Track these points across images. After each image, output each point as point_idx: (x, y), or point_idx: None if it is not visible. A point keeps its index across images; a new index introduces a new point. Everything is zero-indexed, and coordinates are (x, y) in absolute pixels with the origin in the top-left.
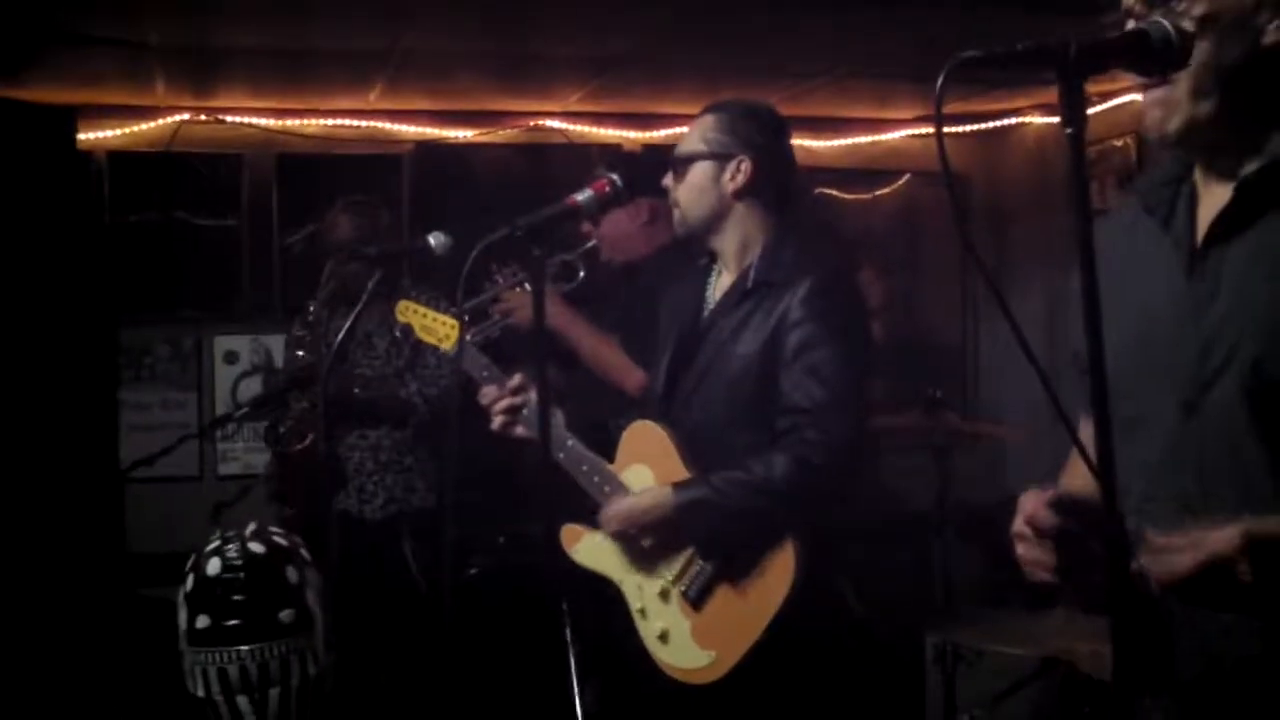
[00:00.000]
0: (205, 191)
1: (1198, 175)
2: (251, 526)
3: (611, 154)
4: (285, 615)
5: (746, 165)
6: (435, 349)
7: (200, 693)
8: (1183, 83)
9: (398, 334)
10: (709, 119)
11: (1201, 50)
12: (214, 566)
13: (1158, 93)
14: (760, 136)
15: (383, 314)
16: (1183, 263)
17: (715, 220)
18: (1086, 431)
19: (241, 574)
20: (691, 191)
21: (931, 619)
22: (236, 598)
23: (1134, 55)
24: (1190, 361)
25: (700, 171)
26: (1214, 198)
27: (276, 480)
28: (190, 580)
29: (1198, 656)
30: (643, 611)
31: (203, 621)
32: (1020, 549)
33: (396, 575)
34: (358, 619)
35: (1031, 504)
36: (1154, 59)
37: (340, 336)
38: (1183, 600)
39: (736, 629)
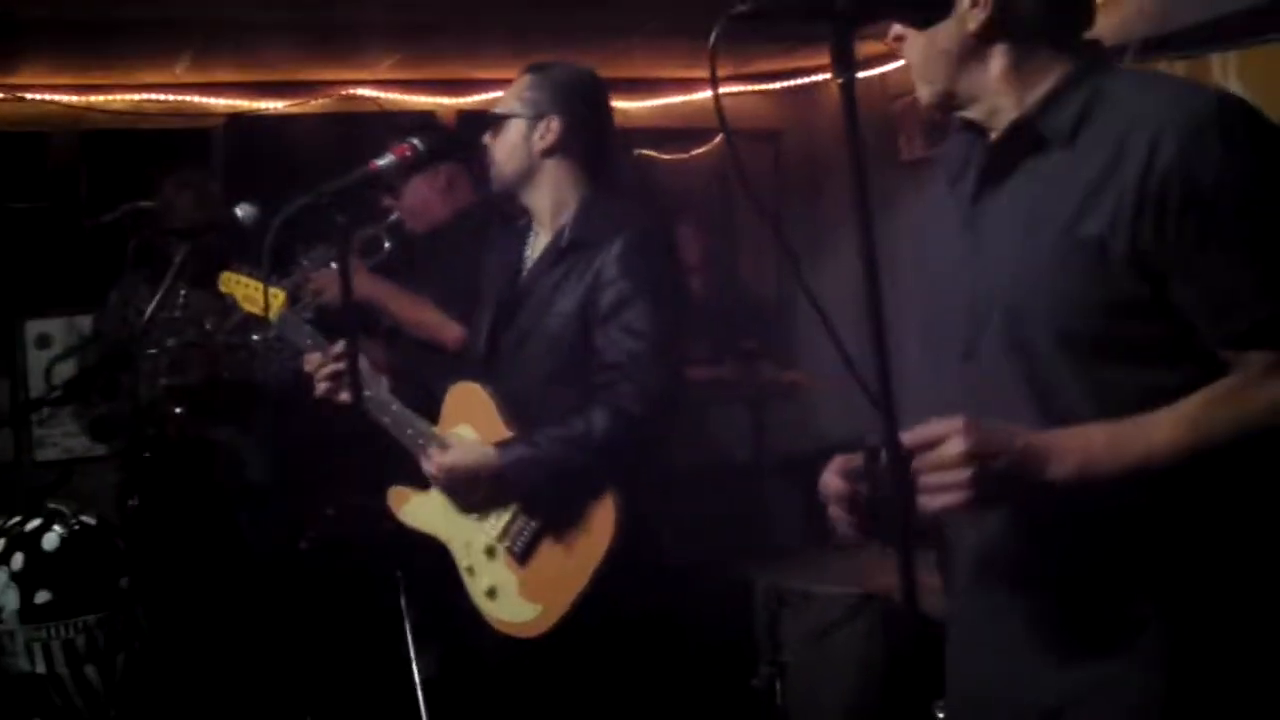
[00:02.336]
0: (9, 172)
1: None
2: (54, 506)
3: (424, 121)
4: (124, 582)
5: (556, 124)
6: (284, 341)
7: (40, 669)
8: (914, 58)
9: (212, 311)
10: (525, 79)
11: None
12: (51, 541)
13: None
14: (572, 97)
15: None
16: (962, 217)
17: (526, 178)
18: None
19: (81, 545)
20: (504, 148)
21: (754, 564)
22: (78, 569)
23: (902, 6)
24: (967, 312)
25: (513, 129)
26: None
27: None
28: (20, 559)
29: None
30: (470, 569)
31: (42, 597)
32: (831, 510)
33: (231, 548)
34: (193, 594)
35: (826, 473)
36: (920, 8)
37: (150, 309)
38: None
39: (561, 582)
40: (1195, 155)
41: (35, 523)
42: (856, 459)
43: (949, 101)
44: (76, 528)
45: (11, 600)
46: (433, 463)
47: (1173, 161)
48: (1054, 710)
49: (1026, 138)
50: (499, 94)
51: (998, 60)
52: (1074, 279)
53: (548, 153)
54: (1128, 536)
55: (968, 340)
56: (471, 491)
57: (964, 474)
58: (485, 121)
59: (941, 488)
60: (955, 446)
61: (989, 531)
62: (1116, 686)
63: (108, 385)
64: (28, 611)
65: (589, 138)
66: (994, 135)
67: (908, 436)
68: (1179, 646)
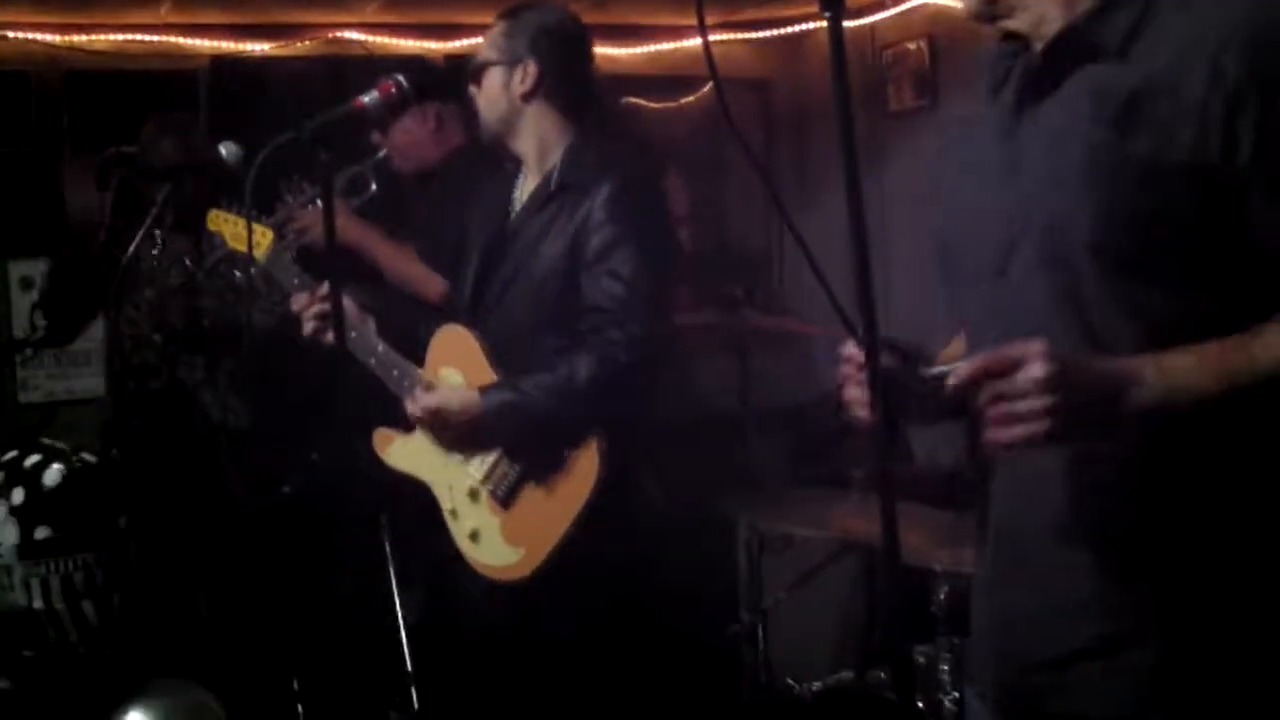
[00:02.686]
0: None
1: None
2: (51, 443)
3: (413, 64)
4: (123, 521)
5: (533, 69)
6: (270, 282)
7: (38, 604)
8: None
9: (195, 252)
10: (499, 25)
11: None
12: (53, 477)
13: None
14: (549, 40)
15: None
16: (1003, 129)
17: (509, 125)
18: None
19: (81, 482)
20: (486, 97)
21: (739, 508)
22: (79, 506)
23: None
24: (1001, 227)
25: (492, 77)
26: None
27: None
28: (20, 494)
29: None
30: (454, 512)
31: (42, 533)
32: (846, 390)
33: (214, 493)
34: (178, 537)
35: (846, 349)
36: None
37: (131, 250)
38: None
39: (544, 525)
40: (1273, 62)
41: (34, 458)
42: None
43: (992, 9)
44: (77, 465)
45: (10, 535)
46: (416, 404)
47: (1246, 70)
48: (1064, 660)
49: (1075, 46)
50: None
51: None
52: (1121, 192)
53: (527, 97)
54: (1170, 489)
55: (999, 257)
56: (454, 433)
57: (1044, 401)
58: (470, 68)
59: (1018, 417)
60: (1036, 371)
61: (1025, 475)
62: (1130, 645)
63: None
64: (27, 547)
65: (570, 81)
66: (1039, 46)
67: (980, 360)
68: (1189, 613)
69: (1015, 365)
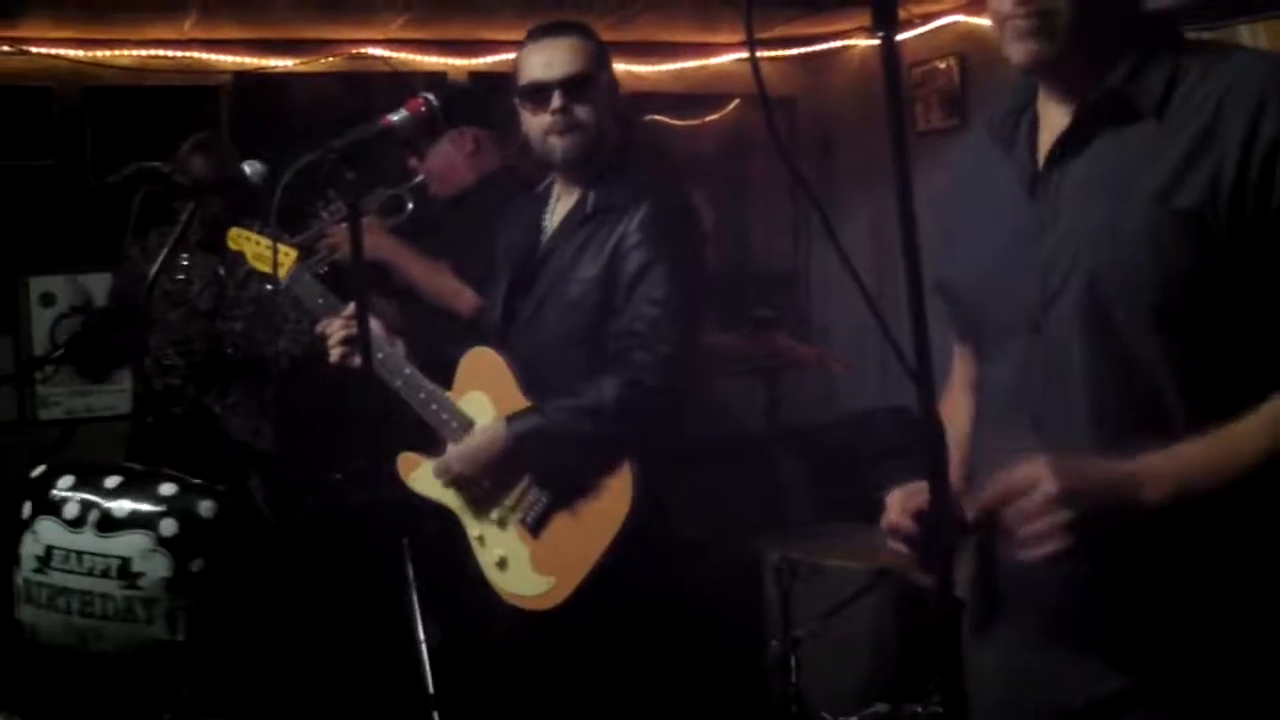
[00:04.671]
0: (13, 128)
1: (1040, 104)
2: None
3: (436, 82)
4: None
5: (610, 84)
6: (296, 305)
7: (180, 637)
8: (1061, 16)
9: (221, 272)
10: (572, 40)
11: None
12: (208, 509)
13: (1032, 22)
14: (605, 55)
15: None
16: (1025, 184)
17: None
18: (957, 356)
19: (229, 517)
20: (600, 110)
21: (767, 537)
22: (225, 540)
23: None
24: (1034, 281)
25: (602, 89)
26: (1053, 122)
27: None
28: (174, 525)
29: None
30: (481, 539)
31: (196, 565)
32: (890, 544)
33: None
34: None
35: (895, 512)
36: None
37: (155, 269)
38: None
39: (574, 555)
40: None
41: (168, 489)
42: (920, 496)
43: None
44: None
45: (161, 568)
46: (439, 466)
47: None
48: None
49: (1110, 107)
50: (511, 55)
51: None
52: (1167, 250)
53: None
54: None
55: (1033, 312)
56: (482, 469)
57: (1062, 517)
58: (563, 82)
59: (1041, 537)
60: (1047, 489)
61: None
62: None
63: (107, 344)
64: (181, 579)
65: (617, 98)
66: (1073, 102)
67: (990, 491)
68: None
69: (1028, 486)
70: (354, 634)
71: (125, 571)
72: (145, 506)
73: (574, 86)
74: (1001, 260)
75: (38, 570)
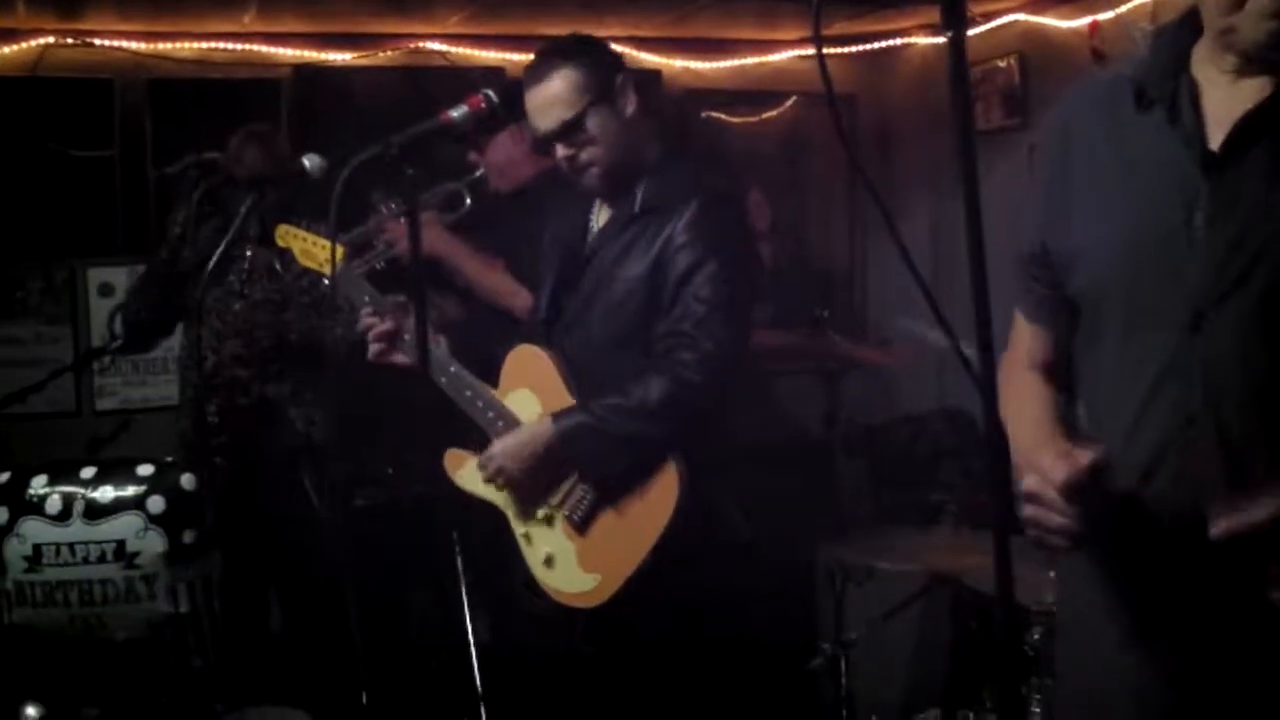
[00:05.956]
0: (76, 119)
1: (1198, 72)
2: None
3: (494, 77)
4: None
5: (629, 86)
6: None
7: (183, 608)
8: None
9: (277, 266)
10: (565, 75)
11: None
12: (189, 482)
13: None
14: (610, 71)
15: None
16: (1196, 163)
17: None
18: (1024, 334)
19: (209, 488)
20: (610, 137)
21: (821, 539)
22: (208, 509)
23: None
24: (1204, 270)
25: (607, 115)
26: (1220, 96)
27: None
28: (161, 501)
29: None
30: (527, 536)
31: (189, 536)
32: (1035, 512)
33: (299, 508)
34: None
35: (1064, 468)
36: None
37: (215, 258)
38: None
39: (621, 552)
40: None
41: (145, 470)
42: (1083, 459)
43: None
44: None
45: (157, 544)
46: (483, 461)
47: None
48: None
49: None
50: None
51: None
52: None
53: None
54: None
55: (1196, 304)
56: (526, 465)
57: None
58: (571, 128)
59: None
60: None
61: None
62: None
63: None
64: (177, 552)
65: (638, 108)
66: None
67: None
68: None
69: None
70: (403, 628)
71: (122, 553)
72: (128, 488)
73: (571, 131)
74: (1162, 241)
75: (28, 570)
